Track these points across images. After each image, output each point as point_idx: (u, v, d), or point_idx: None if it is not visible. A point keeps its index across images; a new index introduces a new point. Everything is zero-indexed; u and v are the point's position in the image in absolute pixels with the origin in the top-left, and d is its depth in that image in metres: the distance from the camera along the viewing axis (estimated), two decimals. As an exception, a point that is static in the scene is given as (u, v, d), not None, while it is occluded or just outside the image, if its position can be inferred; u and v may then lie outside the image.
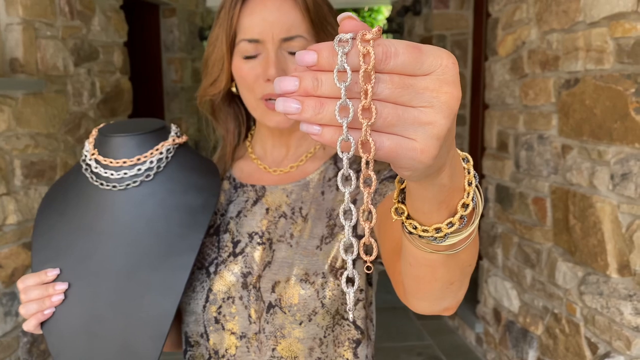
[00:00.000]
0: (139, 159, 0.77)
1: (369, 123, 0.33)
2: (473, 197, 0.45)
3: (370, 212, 0.36)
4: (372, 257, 0.36)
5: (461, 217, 0.45)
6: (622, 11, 1.71)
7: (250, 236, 0.83)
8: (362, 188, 0.35)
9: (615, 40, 1.77)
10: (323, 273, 0.77)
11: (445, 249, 0.48)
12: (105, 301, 0.74)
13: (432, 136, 0.34)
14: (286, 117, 0.36)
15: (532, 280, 2.38)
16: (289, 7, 0.79)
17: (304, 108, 0.33)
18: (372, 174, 0.34)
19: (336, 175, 0.85)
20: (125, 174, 0.77)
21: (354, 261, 0.80)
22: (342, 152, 0.34)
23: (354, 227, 0.81)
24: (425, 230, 0.46)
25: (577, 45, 1.97)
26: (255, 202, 0.86)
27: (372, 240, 0.36)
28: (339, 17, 0.35)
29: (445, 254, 0.48)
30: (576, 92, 1.99)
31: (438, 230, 0.45)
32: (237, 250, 0.82)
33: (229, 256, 0.82)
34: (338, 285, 0.77)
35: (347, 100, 0.32)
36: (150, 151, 0.78)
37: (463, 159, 0.45)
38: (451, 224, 0.45)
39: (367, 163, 0.34)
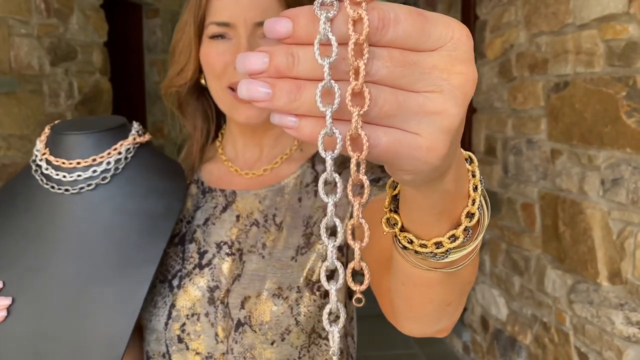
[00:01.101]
0: (94, 160, 0.70)
1: (361, 112, 0.26)
2: (479, 205, 0.38)
3: (361, 228, 0.28)
4: (364, 287, 0.29)
5: (465, 229, 0.38)
6: (613, 12, 1.67)
7: (219, 246, 0.75)
8: (350, 197, 0.28)
9: (605, 43, 1.72)
10: (298, 287, 0.70)
11: (444, 266, 0.40)
12: (54, 318, 0.67)
13: (441, 129, 0.27)
14: (254, 106, 0.29)
15: (520, 288, 2.33)
16: None
17: (275, 93, 0.26)
18: (364, 178, 0.27)
19: (315, 180, 0.78)
20: (78, 176, 0.69)
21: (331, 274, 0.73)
22: (326, 151, 0.27)
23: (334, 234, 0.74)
24: (423, 245, 0.38)
25: (566, 47, 1.92)
26: (224, 209, 0.78)
27: (364, 265, 0.28)
28: None
29: (443, 272, 0.41)
30: (566, 95, 1.94)
31: (438, 245, 0.38)
32: (204, 261, 0.75)
33: (194, 268, 0.74)
34: (314, 300, 0.70)
35: (332, 82, 0.26)
36: (107, 151, 0.71)
37: (466, 159, 0.38)
38: (454, 238, 0.38)
39: (359, 165, 0.27)
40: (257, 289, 0.70)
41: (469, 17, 2.90)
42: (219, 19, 0.72)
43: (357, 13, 0.25)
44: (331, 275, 0.30)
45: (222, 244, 0.76)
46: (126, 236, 0.70)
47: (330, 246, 0.28)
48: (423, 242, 0.38)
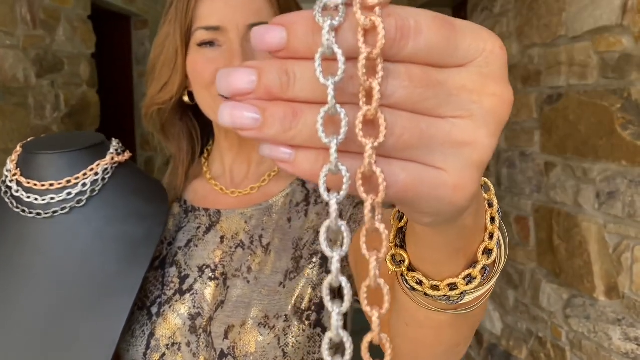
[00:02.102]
0: (68, 181, 0.66)
1: (375, 144, 0.21)
2: (497, 240, 0.33)
3: (379, 291, 0.22)
4: None
5: (483, 268, 0.33)
6: (606, 25, 1.65)
7: (201, 270, 0.71)
8: (365, 252, 0.22)
9: (599, 55, 1.71)
10: (286, 315, 0.65)
11: (457, 308, 0.36)
12: (24, 354, 0.62)
13: (470, 164, 0.23)
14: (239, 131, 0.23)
15: (515, 302, 2.30)
16: None
17: (266, 119, 0.21)
18: (381, 227, 0.21)
19: (305, 199, 0.73)
20: (52, 199, 0.65)
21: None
22: (329, 192, 0.21)
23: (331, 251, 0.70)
24: (435, 287, 0.33)
25: (559, 59, 1.91)
26: (208, 229, 0.74)
27: (384, 337, 0.22)
28: None
29: (455, 314, 0.36)
30: (559, 107, 1.92)
31: (452, 286, 0.33)
32: (185, 286, 0.70)
33: (174, 294, 0.70)
34: (303, 330, 0.65)
35: (338, 106, 0.21)
36: (83, 171, 0.66)
37: (482, 186, 0.33)
38: (470, 279, 0.33)
39: (374, 209, 0.22)
40: (241, 317, 0.66)
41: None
42: (207, 23, 0.67)
43: (370, 20, 0.20)
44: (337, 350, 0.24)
45: (204, 267, 0.71)
46: (103, 264, 0.65)
47: (334, 313, 0.21)
48: (435, 283, 0.34)
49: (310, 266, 0.69)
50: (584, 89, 1.78)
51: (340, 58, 0.20)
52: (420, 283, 0.34)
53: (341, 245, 0.21)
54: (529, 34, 2.10)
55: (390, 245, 0.35)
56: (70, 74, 2.83)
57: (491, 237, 0.33)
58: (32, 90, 2.51)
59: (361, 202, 0.66)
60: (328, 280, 0.22)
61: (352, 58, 0.21)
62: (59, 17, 2.70)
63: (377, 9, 0.20)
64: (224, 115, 0.22)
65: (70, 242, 0.65)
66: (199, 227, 0.74)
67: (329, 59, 0.21)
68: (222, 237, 0.73)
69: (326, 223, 0.22)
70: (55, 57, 2.68)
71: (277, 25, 0.21)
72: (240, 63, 0.63)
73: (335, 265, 0.21)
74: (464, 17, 2.82)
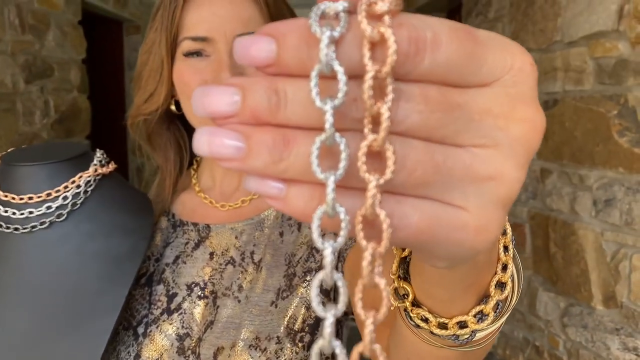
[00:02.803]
0: (49, 195, 0.62)
1: (381, 182, 0.18)
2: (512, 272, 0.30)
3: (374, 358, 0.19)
4: None
5: (496, 304, 0.30)
6: (602, 30, 1.64)
7: (189, 288, 0.67)
8: (360, 313, 0.18)
9: (595, 60, 1.69)
10: (278, 337, 0.62)
11: (465, 345, 0.33)
12: (-1, 376, 0.59)
13: (495, 201, 0.19)
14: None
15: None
16: (244, 0, 0.64)
17: (251, 148, 0.18)
18: (381, 283, 0.18)
19: None
20: (30, 213, 0.61)
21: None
22: (324, 240, 0.18)
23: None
24: (443, 325, 0.30)
25: (555, 65, 1.89)
26: (197, 245, 0.70)
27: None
28: None
29: (462, 350, 0.33)
30: (555, 113, 1.90)
31: (462, 324, 0.30)
32: (173, 305, 0.66)
33: (162, 313, 0.66)
34: (296, 352, 0.62)
35: (337, 135, 0.18)
36: (64, 184, 0.63)
37: None
38: (482, 316, 0.30)
39: (374, 260, 0.18)
40: (231, 339, 0.62)
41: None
42: (194, 33, 0.63)
43: (378, 31, 0.17)
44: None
45: (193, 285, 0.67)
46: (84, 281, 0.62)
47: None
48: (442, 320, 0.30)
49: (304, 285, 0.65)
50: (580, 95, 1.76)
51: (341, 77, 0.17)
52: (425, 320, 0.30)
53: (336, 302, 0.18)
54: (525, 39, 2.09)
55: (392, 277, 0.31)
56: (60, 80, 2.79)
57: (504, 268, 0.29)
58: (21, 96, 2.47)
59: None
60: (319, 345, 0.18)
61: (355, 76, 0.18)
62: (48, 22, 2.67)
63: (386, 18, 0.17)
64: (201, 143, 0.19)
65: (50, 259, 0.62)
66: (187, 243, 0.71)
67: (328, 77, 0.17)
68: (211, 254, 0.69)
69: (319, 275, 0.18)
70: (44, 62, 2.65)
71: (264, 35, 0.18)
72: (228, 76, 0.60)
73: (327, 330, 0.18)
74: (458, 22, 2.80)
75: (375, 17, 0.17)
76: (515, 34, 2.17)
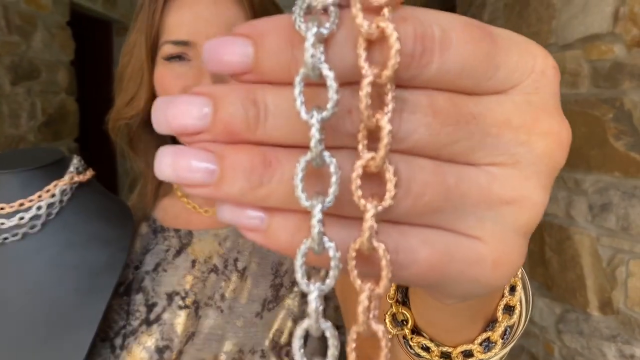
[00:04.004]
0: (21, 204, 0.59)
1: (379, 210, 0.15)
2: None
3: None
4: None
5: (504, 331, 0.27)
6: (597, 32, 1.62)
7: (170, 297, 0.64)
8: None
9: (590, 63, 1.67)
10: (262, 351, 0.59)
11: None
12: (-34, 399, 0.55)
13: (516, 229, 0.17)
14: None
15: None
16: (228, 1, 0.60)
17: (225, 172, 0.15)
18: (379, 330, 0.15)
19: None
20: (2, 224, 0.58)
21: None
22: (310, 282, 0.15)
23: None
24: (446, 355, 0.27)
25: (550, 67, 1.87)
26: (178, 252, 0.67)
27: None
28: None
29: None
30: (550, 117, 1.88)
31: (467, 353, 0.27)
32: (152, 316, 0.63)
33: (140, 324, 0.63)
34: None
35: (327, 155, 0.15)
36: (38, 193, 0.59)
37: None
38: (489, 344, 0.27)
39: (370, 303, 0.15)
40: (213, 352, 0.59)
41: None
42: (175, 37, 0.60)
43: (377, 27, 0.14)
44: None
45: (173, 294, 0.64)
46: (60, 295, 0.58)
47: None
48: (445, 350, 0.27)
49: (292, 296, 0.62)
50: (575, 98, 1.74)
51: (332, 83, 0.14)
52: (427, 349, 0.27)
53: (325, 356, 0.15)
54: (518, 42, 2.07)
55: (390, 302, 0.28)
56: (48, 82, 2.75)
57: (512, 290, 0.27)
58: (7, 98, 2.42)
59: None
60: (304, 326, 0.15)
61: (349, 83, 0.15)
62: (35, 22, 2.62)
63: (385, 11, 0.14)
64: (163, 166, 0.15)
65: (22, 272, 0.58)
66: (168, 250, 0.68)
67: (317, 84, 0.14)
68: (193, 261, 0.66)
69: (304, 324, 0.15)
70: (31, 64, 2.60)
71: (239, 36, 0.15)
72: (210, 79, 0.56)
73: None
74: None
75: (372, 10, 0.14)
76: (509, 36, 2.16)
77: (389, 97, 0.14)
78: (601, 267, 1.64)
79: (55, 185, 0.60)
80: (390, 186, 0.15)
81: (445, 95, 0.16)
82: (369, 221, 0.14)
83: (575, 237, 1.74)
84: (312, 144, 0.14)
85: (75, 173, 0.62)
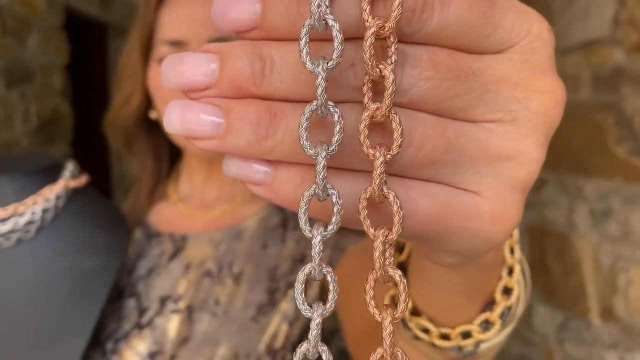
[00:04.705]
0: (16, 209, 0.57)
1: (388, 157, 0.15)
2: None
3: None
4: None
5: (503, 312, 0.27)
6: (597, 37, 1.61)
7: (162, 301, 0.62)
8: (374, 312, 0.16)
9: (591, 68, 1.66)
10: (258, 356, 0.58)
11: (467, 356, 0.29)
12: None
13: (514, 184, 0.17)
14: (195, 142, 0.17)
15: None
16: None
17: (232, 124, 0.16)
18: (397, 274, 0.16)
19: (282, 224, 0.65)
20: (-6, 229, 0.56)
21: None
22: (314, 228, 0.15)
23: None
24: (445, 335, 0.27)
25: (550, 72, 1.87)
26: (172, 257, 0.65)
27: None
28: None
29: None
30: (550, 122, 1.88)
31: (466, 334, 0.27)
32: (144, 320, 0.61)
33: (132, 328, 0.61)
34: None
35: (331, 105, 0.15)
36: (32, 198, 0.57)
37: None
38: (487, 325, 0.27)
39: (385, 253, 0.15)
40: (207, 356, 0.58)
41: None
42: (169, 36, 0.60)
43: None
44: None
45: (166, 298, 0.62)
46: (53, 302, 0.56)
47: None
48: (444, 331, 0.27)
49: (287, 299, 0.61)
50: (576, 103, 1.73)
51: (337, 34, 0.14)
52: (426, 331, 0.27)
53: (324, 302, 0.16)
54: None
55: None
56: (42, 85, 2.72)
57: (510, 272, 0.27)
58: (0, 102, 2.40)
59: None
60: (302, 350, 0.16)
61: (353, 38, 0.15)
62: (30, 25, 2.60)
63: None
64: (172, 119, 0.16)
65: (15, 278, 0.56)
66: (161, 254, 0.66)
67: (321, 39, 0.15)
68: (187, 265, 0.65)
69: (306, 268, 0.15)
70: (26, 67, 2.58)
71: None
72: None
73: (314, 332, 0.15)
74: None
75: None
76: (508, 41, 2.16)
77: (392, 49, 0.15)
78: (602, 274, 1.63)
79: (50, 190, 0.58)
80: (396, 134, 0.15)
81: (445, 51, 0.16)
82: (378, 169, 0.15)
83: (576, 244, 1.72)
84: (318, 92, 0.15)
85: (70, 178, 0.60)
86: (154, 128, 0.70)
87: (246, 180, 0.16)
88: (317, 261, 0.15)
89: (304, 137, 0.15)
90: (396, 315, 0.16)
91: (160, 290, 0.64)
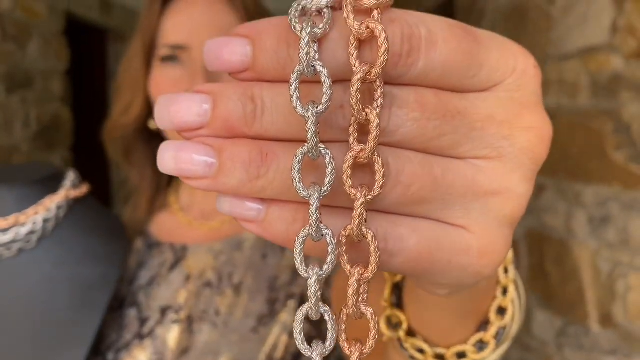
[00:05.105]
0: (17, 219, 0.57)
1: (369, 198, 0.16)
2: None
3: None
4: None
5: (497, 332, 0.28)
6: (596, 43, 1.62)
7: (163, 312, 0.63)
8: (343, 345, 0.17)
9: (589, 75, 1.67)
10: None
11: None
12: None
13: (501, 219, 0.18)
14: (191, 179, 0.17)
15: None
16: (223, 6, 0.61)
17: (224, 165, 0.16)
18: (369, 313, 0.16)
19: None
20: (-5, 239, 0.56)
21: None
22: (310, 268, 0.16)
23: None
24: (440, 356, 0.28)
25: (549, 78, 1.87)
26: (173, 267, 0.66)
27: None
28: None
29: None
30: (549, 128, 1.88)
31: (461, 355, 0.28)
32: (145, 330, 0.62)
33: (133, 338, 0.61)
34: None
35: (322, 147, 0.16)
36: (33, 208, 0.58)
37: None
38: (482, 345, 0.28)
39: (360, 290, 0.16)
40: None
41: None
42: (171, 40, 0.60)
43: (367, 28, 0.15)
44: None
45: (167, 309, 0.63)
46: (54, 311, 0.57)
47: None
48: (439, 351, 0.28)
49: (287, 310, 0.61)
50: (575, 110, 1.74)
51: (325, 79, 0.15)
52: (421, 351, 0.28)
53: (323, 340, 0.16)
54: (516, 54, 2.07)
55: (385, 304, 0.29)
56: (43, 90, 2.73)
57: (505, 292, 0.28)
58: (1, 107, 2.40)
59: None
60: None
61: (341, 80, 0.16)
62: (30, 31, 2.60)
63: (375, 13, 0.15)
64: (166, 160, 0.16)
65: (16, 288, 0.57)
66: (162, 264, 0.67)
67: (310, 81, 0.16)
68: (188, 276, 0.65)
69: (304, 308, 0.16)
70: (26, 72, 2.58)
71: (238, 36, 0.16)
72: (204, 83, 0.55)
73: None
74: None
75: (362, 13, 0.15)
76: (507, 47, 2.16)
77: (378, 93, 0.15)
78: (601, 280, 1.63)
79: (50, 200, 0.58)
80: (378, 176, 0.15)
81: (431, 92, 0.16)
82: (358, 209, 0.15)
83: (575, 250, 1.73)
84: (309, 136, 0.15)
85: (71, 187, 0.60)
86: (153, 137, 0.70)
87: (239, 218, 0.17)
88: (313, 301, 0.15)
89: (297, 179, 0.15)
90: (364, 351, 0.16)
91: (161, 300, 0.64)
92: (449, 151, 0.17)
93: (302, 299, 0.62)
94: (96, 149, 0.73)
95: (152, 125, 0.66)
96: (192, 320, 0.62)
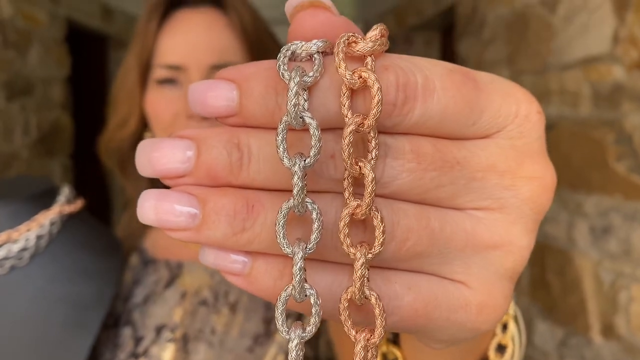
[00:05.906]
0: (9, 236, 0.56)
1: (369, 257, 0.14)
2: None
3: None
4: None
5: None
6: (597, 53, 1.61)
7: (158, 330, 0.62)
8: None
9: (591, 84, 1.66)
10: None
11: None
12: None
13: (502, 274, 0.17)
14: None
15: None
16: (221, 27, 0.60)
17: (207, 216, 0.15)
18: None
19: None
20: (-13, 256, 0.55)
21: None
22: (292, 330, 0.15)
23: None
24: None
25: (550, 88, 1.86)
26: (168, 284, 0.65)
27: None
28: (288, 4, 0.16)
29: None
30: (551, 138, 1.87)
31: None
32: (140, 349, 0.61)
33: (127, 358, 0.61)
34: None
35: (308, 201, 0.15)
36: (26, 224, 0.57)
37: None
38: None
39: (369, 353, 0.15)
40: None
41: (446, 54, 2.86)
42: (168, 61, 0.60)
43: (359, 76, 0.14)
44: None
45: (162, 327, 0.62)
46: (46, 330, 0.56)
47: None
48: None
49: None
50: (576, 120, 1.73)
51: (314, 132, 0.14)
52: None
53: None
54: (519, 61, 2.07)
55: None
56: (43, 98, 2.73)
57: (504, 328, 0.27)
58: (1, 114, 2.40)
59: None
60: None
61: (331, 128, 0.15)
62: (31, 38, 2.60)
63: (369, 60, 0.14)
64: (145, 210, 0.15)
65: (8, 306, 0.56)
66: (157, 281, 0.66)
67: (297, 129, 0.15)
68: (183, 294, 0.64)
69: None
70: (26, 80, 2.58)
71: (224, 80, 0.15)
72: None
73: None
74: (452, 42, 2.78)
75: (355, 59, 0.14)
76: (510, 55, 2.15)
77: (372, 144, 0.14)
78: (603, 291, 1.61)
79: (44, 216, 0.57)
80: (378, 232, 0.14)
81: (428, 141, 0.16)
82: (359, 270, 0.14)
83: (577, 261, 1.71)
84: (295, 192, 0.14)
85: (65, 203, 0.60)
86: None
87: (223, 271, 0.16)
88: None
89: (281, 234, 0.14)
90: None
91: (156, 318, 0.63)
92: (447, 202, 0.16)
93: (299, 319, 0.61)
94: (96, 156, 0.72)
95: (147, 137, 0.66)
96: (188, 339, 0.61)
